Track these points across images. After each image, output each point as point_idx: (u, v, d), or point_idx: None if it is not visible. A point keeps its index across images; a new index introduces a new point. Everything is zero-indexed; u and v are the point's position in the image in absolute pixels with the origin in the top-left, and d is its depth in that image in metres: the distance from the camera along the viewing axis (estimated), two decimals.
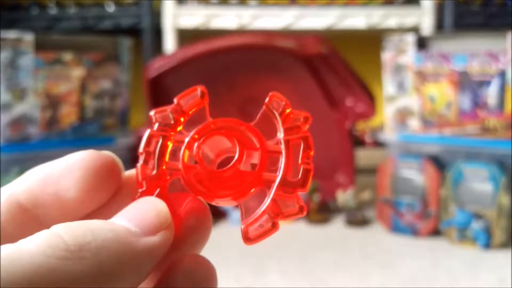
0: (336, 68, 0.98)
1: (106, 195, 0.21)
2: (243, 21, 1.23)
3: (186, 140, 0.22)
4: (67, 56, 0.97)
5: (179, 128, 0.22)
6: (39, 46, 0.93)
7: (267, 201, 0.20)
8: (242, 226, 0.20)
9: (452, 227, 0.85)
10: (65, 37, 1.01)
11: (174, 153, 0.22)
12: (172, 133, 0.22)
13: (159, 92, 0.99)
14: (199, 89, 0.22)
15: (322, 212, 0.98)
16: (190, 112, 0.22)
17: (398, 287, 0.70)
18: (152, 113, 0.22)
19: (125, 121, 1.08)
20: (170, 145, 0.22)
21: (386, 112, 1.01)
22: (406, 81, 0.98)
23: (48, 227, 0.17)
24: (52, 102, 0.96)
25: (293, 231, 0.91)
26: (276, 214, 0.20)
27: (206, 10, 1.23)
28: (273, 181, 0.21)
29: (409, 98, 0.98)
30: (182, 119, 0.22)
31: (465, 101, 0.94)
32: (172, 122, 0.22)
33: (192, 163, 0.22)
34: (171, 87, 1.00)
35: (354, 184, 1.01)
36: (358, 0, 1.24)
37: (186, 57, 0.99)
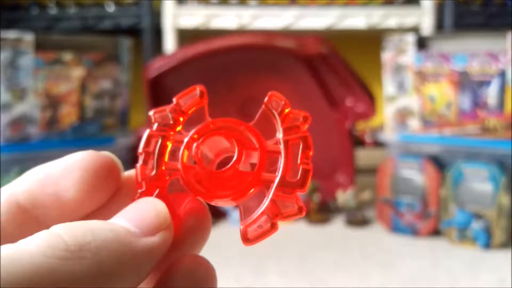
0: (336, 68, 0.98)
1: (106, 196, 0.21)
2: (243, 21, 1.23)
3: (185, 140, 0.22)
4: (67, 56, 0.97)
5: (178, 128, 0.22)
6: (39, 46, 0.93)
7: (266, 202, 0.20)
8: (241, 227, 0.20)
9: (452, 227, 0.85)
10: (65, 37, 1.01)
11: (174, 153, 0.22)
12: (172, 133, 0.22)
13: (159, 92, 0.99)
14: (198, 88, 0.22)
15: (322, 212, 0.98)
16: (189, 112, 0.22)
17: (398, 287, 0.70)
18: (151, 113, 0.22)
19: (125, 121, 1.08)
20: (169, 145, 0.22)
21: (386, 112, 1.01)
22: (406, 81, 0.98)
23: (47, 227, 0.17)
24: (52, 102, 0.96)
25: (293, 231, 0.91)
26: (275, 215, 0.20)
27: (206, 10, 1.23)
28: (272, 182, 0.21)
29: (409, 98, 0.98)
30: (181, 119, 0.22)
31: (465, 101, 0.94)
32: (171, 122, 0.22)
33: (191, 163, 0.21)
34: (171, 87, 1.00)
35: (354, 184, 1.01)
36: (358, 0, 1.24)
37: (186, 57, 0.99)
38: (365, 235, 0.91)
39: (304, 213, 0.21)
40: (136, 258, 0.18)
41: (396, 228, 0.90)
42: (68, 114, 0.99)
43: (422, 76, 0.97)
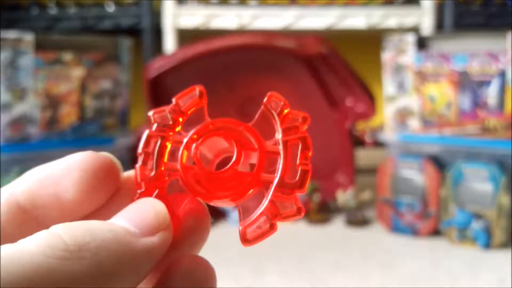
0: (336, 68, 0.98)
1: (105, 196, 0.21)
2: (243, 21, 1.23)
3: (185, 140, 0.22)
4: (67, 56, 0.98)
5: (178, 129, 0.22)
6: (39, 46, 0.93)
7: (265, 202, 0.20)
8: (240, 228, 0.20)
9: (452, 227, 0.85)
10: (65, 37, 1.01)
11: (173, 154, 0.22)
12: (171, 133, 0.22)
13: (159, 92, 0.99)
14: (197, 89, 0.22)
15: (322, 212, 0.98)
16: (189, 112, 0.22)
17: (398, 287, 0.70)
18: (150, 113, 0.22)
19: (125, 121, 1.08)
20: (168, 145, 0.22)
21: (386, 112, 1.01)
22: (406, 81, 0.98)
23: (47, 227, 0.17)
24: (52, 102, 0.96)
25: (293, 231, 0.91)
26: (274, 216, 0.20)
27: (206, 10, 1.23)
28: (271, 182, 0.21)
29: (409, 98, 0.98)
30: (180, 119, 0.22)
31: (465, 101, 0.94)
32: (171, 122, 0.22)
33: (190, 164, 0.22)
34: (171, 87, 1.00)
35: (354, 184, 1.01)
36: (358, 0, 1.24)
37: (186, 57, 0.99)
38: (365, 235, 0.91)
39: (303, 214, 0.21)
40: (136, 258, 0.18)
41: (396, 228, 0.90)
42: (68, 114, 0.99)
43: (422, 76, 0.97)
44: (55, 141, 0.95)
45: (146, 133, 0.22)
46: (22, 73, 0.92)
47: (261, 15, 1.23)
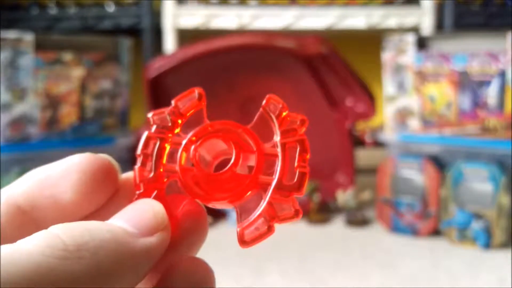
0: (336, 68, 0.98)
1: (104, 198, 0.21)
2: (243, 21, 1.23)
3: (184, 142, 0.22)
4: (67, 56, 0.98)
5: (177, 130, 0.22)
6: (39, 46, 0.93)
7: (263, 204, 0.21)
8: (238, 229, 0.21)
9: (452, 227, 0.85)
10: (65, 37, 1.01)
11: (172, 155, 0.22)
12: (170, 135, 0.22)
13: (159, 92, 0.99)
14: (196, 91, 0.23)
15: (322, 212, 0.98)
16: (188, 114, 0.22)
17: (398, 287, 0.70)
18: (150, 115, 0.22)
19: (125, 121, 1.08)
20: (167, 147, 0.22)
21: (386, 112, 1.01)
22: (406, 81, 0.98)
23: (46, 229, 0.17)
24: (52, 102, 0.96)
25: (293, 231, 0.91)
26: (272, 217, 0.20)
27: (206, 10, 1.23)
28: (269, 184, 0.21)
29: (409, 98, 0.98)
30: (179, 121, 0.22)
31: (465, 101, 0.94)
32: (170, 124, 0.22)
33: (189, 166, 0.22)
34: (171, 87, 1.00)
35: (354, 184, 1.01)
36: (358, 0, 1.24)
37: (186, 57, 0.99)
38: (365, 235, 0.91)
39: (300, 216, 0.21)
40: (134, 258, 0.18)
41: (396, 228, 0.90)
42: (68, 114, 0.99)
43: (422, 76, 0.97)
44: (55, 141, 0.95)
45: (145, 134, 0.22)
46: (22, 73, 0.92)
47: (261, 15, 1.23)
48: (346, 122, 1.02)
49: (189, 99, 0.22)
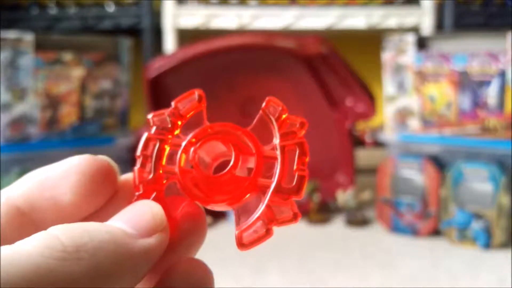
0: (336, 68, 0.98)
1: (103, 199, 0.21)
2: (243, 21, 1.23)
3: (183, 144, 0.22)
4: (67, 56, 0.98)
5: (177, 132, 0.22)
6: (39, 46, 0.93)
7: (262, 207, 0.21)
8: (236, 232, 0.21)
9: (452, 227, 0.85)
10: (65, 37, 1.01)
11: (171, 157, 0.22)
12: (170, 136, 0.22)
13: (159, 92, 0.99)
14: (196, 92, 0.23)
15: (322, 212, 0.98)
16: (188, 116, 0.22)
17: (398, 287, 0.70)
18: (150, 116, 0.22)
19: (125, 121, 1.08)
20: (167, 148, 0.22)
21: (386, 112, 1.01)
22: (406, 81, 0.98)
23: (45, 230, 0.17)
24: (52, 102, 0.96)
25: (293, 231, 0.91)
26: (270, 220, 0.20)
27: (206, 10, 1.23)
28: (268, 187, 0.21)
29: (409, 98, 0.98)
30: (179, 123, 0.22)
31: (465, 101, 0.94)
32: (170, 125, 0.22)
33: (188, 167, 0.22)
34: (171, 87, 1.00)
35: (354, 184, 1.01)
36: (358, 0, 1.24)
37: (186, 57, 0.99)
38: (365, 235, 0.91)
39: (299, 219, 0.21)
40: (133, 259, 0.18)
41: (396, 228, 0.90)
42: (68, 114, 0.99)
43: (422, 76, 0.97)
44: (55, 141, 0.95)
45: (145, 136, 0.22)
46: (22, 73, 0.92)
47: (261, 15, 1.23)
48: (346, 122, 1.02)
49: (189, 101, 0.22)
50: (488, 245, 0.82)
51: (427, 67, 0.96)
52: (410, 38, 0.97)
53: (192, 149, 0.22)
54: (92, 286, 0.16)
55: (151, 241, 0.19)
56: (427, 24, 1.23)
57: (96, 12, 1.26)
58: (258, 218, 0.20)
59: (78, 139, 0.98)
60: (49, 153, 0.91)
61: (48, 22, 1.26)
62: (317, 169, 1.01)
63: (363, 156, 1.19)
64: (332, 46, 0.97)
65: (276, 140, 0.21)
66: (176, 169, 0.22)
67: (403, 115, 0.99)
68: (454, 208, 0.85)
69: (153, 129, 0.22)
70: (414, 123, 0.98)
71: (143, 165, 0.22)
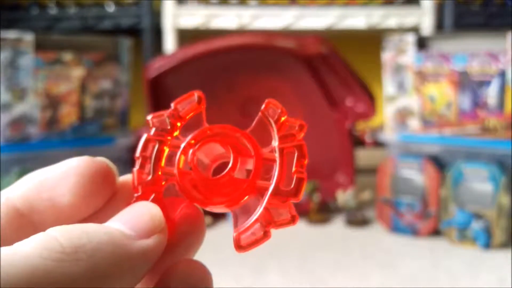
0: (336, 68, 0.98)
1: (101, 201, 0.21)
2: (243, 21, 1.23)
3: (182, 145, 0.22)
4: (67, 56, 0.98)
5: (176, 133, 0.22)
6: (39, 46, 0.93)
7: (260, 210, 0.21)
8: (234, 234, 0.21)
9: (452, 227, 0.85)
10: (65, 37, 1.01)
11: (170, 158, 0.22)
12: (169, 137, 0.22)
13: (159, 92, 0.99)
14: (196, 94, 0.23)
15: (322, 212, 0.98)
16: (187, 117, 0.22)
17: (398, 287, 0.70)
18: (149, 117, 0.22)
19: (125, 121, 1.08)
20: (166, 150, 0.22)
21: (386, 112, 1.01)
22: (406, 81, 0.98)
23: (44, 231, 0.17)
24: (52, 102, 0.96)
25: (293, 231, 0.91)
26: (268, 223, 0.20)
27: (206, 10, 1.23)
28: (267, 189, 0.21)
29: (409, 98, 0.98)
30: (178, 124, 0.22)
31: (465, 101, 0.94)
32: (169, 127, 0.22)
33: (187, 169, 0.22)
34: (171, 87, 1.00)
35: (354, 184, 1.01)
36: (358, 0, 1.24)
37: (186, 57, 0.99)
38: (365, 235, 0.91)
39: (296, 222, 0.21)
40: (131, 260, 0.18)
41: (396, 228, 0.90)
42: (68, 114, 0.99)
43: (422, 76, 0.97)
44: (55, 141, 0.95)
45: (144, 137, 0.22)
46: (22, 73, 0.92)
47: (261, 15, 1.23)
48: (346, 122, 1.01)
49: (188, 102, 0.22)
50: (488, 245, 0.82)
51: (427, 67, 0.96)
52: (410, 38, 0.97)
53: (190, 151, 0.22)
54: (90, 287, 0.16)
55: (149, 242, 0.19)
56: (427, 24, 1.23)
57: (96, 12, 1.26)
58: (256, 221, 0.20)
59: (78, 139, 0.98)
60: (49, 153, 0.91)
61: (48, 22, 1.26)
62: (317, 169, 1.01)
63: (363, 156, 1.19)
64: (332, 46, 0.97)
65: (275, 142, 0.21)
66: (175, 171, 0.22)
67: (403, 115, 0.99)
68: (454, 208, 0.85)
69: (153, 131, 0.22)
70: (414, 123, 0.98)
71: (142, 167, 0.22)
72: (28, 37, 0.92)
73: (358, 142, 1.27)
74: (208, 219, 0.92)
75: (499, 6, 1.25)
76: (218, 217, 0.95)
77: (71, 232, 0.17)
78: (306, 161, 0.21)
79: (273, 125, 0.22)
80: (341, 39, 1.23)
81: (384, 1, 1.24)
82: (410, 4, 1.24)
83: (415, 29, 1.22)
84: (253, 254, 0.79)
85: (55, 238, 0.17)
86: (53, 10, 1.27)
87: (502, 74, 0.90)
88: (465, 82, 0.93)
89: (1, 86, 0.89)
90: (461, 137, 0.90)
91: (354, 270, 0.76)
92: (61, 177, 0.21)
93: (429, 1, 1.23)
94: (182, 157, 0.22)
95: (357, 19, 1.23)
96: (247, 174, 0.21)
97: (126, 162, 0.94)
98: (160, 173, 0.22)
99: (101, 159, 0.21)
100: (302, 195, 0.21)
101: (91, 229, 0.18)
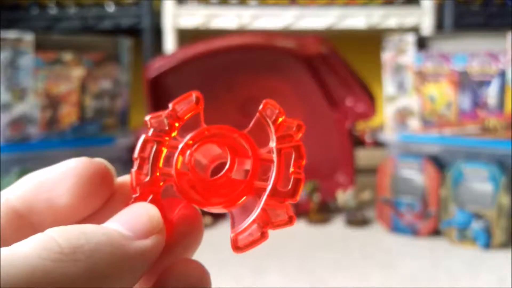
0: (336, 68, 0.98)
1: (99, 202, 0.22)
2: (243, 21, 1.23)
3: (180, 146, 0.22)
4: (67, 56, 0.98)
5: (174, 134, 0.22)
6: (39, 46, 0.93)
7: (257, 210, 0.21)
8: (232, 235, 0.21)
9: (452, 227, 0.85)
10: (65, 37, 1.01)
11: (168, 159, 0.22)
12: (167, 138, 0.22)
13: (159, 92, 0.99)
14: (194, 94, 0.23)
15: (322, 212, 0.98)
16: (185, 118, 0.22)
17: (398, 287, 0.70)
18: (147, 118, 0.22)
19: (125, 121, 1.08)
20: (164, 150, 0.22)
21: (386, 112, 1.01)
22: (406, 81, 0.98)
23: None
24: (52, 102, 0.96)
25: (293, 231, 0.91)
26: (266, 224, 0.20)
27: (206, 10, 1.23)
28: (264, 190, 0.21)
29: (409, 98, 0.98)
30: (176, 125, 0.22)
31: (465, 101, 0.94)
32: (167, 127, 0.22)
33: (185, 170, 0.22)
34: (171, 87, 1.00)
35: (354, 184, 1.01)
36: (358, 0, 1.24)
37: (186, 57, 0.99)
38: (365, 235, 0.91)
39: (294, 223, 0.21)
40: (129, 260, 0.18)
41: (396, 228, 0.90)
42: (68, 114, 0.99)
43: (422, 76, 0.97)
44: (55, 141, 0.95)
45: (142, 137, 0.22)
46: (22, 73, 0.92)
47: (261, 15, 1.23)
48: (346, 122, 1.02)
49: (186, 103, 0.22)
50: (488, 245, 0.82)
51: (427, 67, 0.96)
52: (410, 38, 0.97)
53: (188, 152, 0.22)
54: (89, 287, 0.16)
55: (147, 242, 0.19)
56: (427, 24, 1.23)
57: (96, 12, 1.26)
58: (253, 221, 0.20)
59: (78, 139, 0.98)
60: (49, 153, 0.91)
61: (48, 22, 1.26)
62: (317, 169, 1.01)
63: (363, 156, 1.19)
64: (332, 46, 0.97)
65: (273, 143, 0.21)
66: (173, 172, 0.22)
67: (403, 115, 0.99)
68: (454, 208, 0.85)
69: (151, 131, 0.22)
70: (414, 123, 0.98)
71: (140, 167, 0.22)
72: (28, 37, 0.92)
73: (358, 142, 1.27)
74: (208, 219, 0.92)
75: (499, 6, 1.25)
76: (218, 217, 0.95)
77: (70, 233, 0.17)
78: (303, 162, 0.21)
79: (271, 125, 0.22)
80: (341, 39, 1.23)
81: (384, 1, 1.24)
82: (410, 4, 1.24)
83: (415, 29, 1.22)
84: (253, 254, 0.79)
85: (53, 239, 0.17)
86: (53, 10, 1.27)
87: (502, 74, 0.90)
88: (465, 82, 0.93)
89: (1, 86, 0.90)
90: (461, 137, 0.90)
91: (354, 270, 0.76)
92: (59, 178, 0.21)
93: (429, 1, 1.23)
94: (180, 158, 0.22)
95: (357, 19, 1.23)
96: (245, 175, 0.21)
97: (126, 162, 0.94)
98: (158, 174, 0.22)
99: (99, 160, 0.22)
100: (300, 196, 0.21)
101: (89, 229, 0.18)
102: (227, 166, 0.21)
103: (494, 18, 1.23)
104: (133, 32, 1.21)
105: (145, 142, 0.22)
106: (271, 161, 0.21)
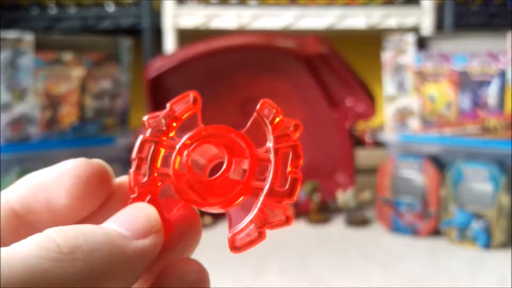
0: (336, 68, 0.98)
1: (97, 203, 0.22)
2: (243, 21, 1.23)
3: (177, 146, 0.22)
4: (67, 56, 0.98)
5: (172, 134, 0.22)
6: (39, 46, 0.94)
7: (255, 210, 0.21)
8: (229, 235, 0.21)
9: (452, 227, 0.85)
10: (65, 37, 1.01)
11: (166, 159, 0.22)
12: (164, 138, 0.22)
13: (159, 92, 0.99)
14: (191, 94, 0.23)
15: (322, 212, 0.98)
16: (183, 118, 0.22)
17: (398, 287, 0.70)
18: (145, 118, 0.22)
19: (125, 121, 1.08)
20: (162, 151, 0.22)
21: (386, 112, 1.01)
22: (406, 81, 0.98)
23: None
24: (52, 102, 0.96)
25: (293, 231, 0.91)
26: (263, 224, 0.20)
27: (206, 10, 1.23)
28: (261, 190, 0.21)
29: (409, 98, 0.98)
30: (174, 125, 0.22)
31: (465, 101, 0.94)
32: (165, 128, 0.22)
33: (183, 170, 0.22)
34: (171, 87, 1.00)
35: (354, 184, 1.01)
36: (358, 0, 1.24)
37: (186, 57, 0.99)
38: (365, 235, 0.91)
39: (291, 223, 0.21)
40: (128, 260, 0.18)
41: (396, 228, 0.90)
42: (68, 114, 0.99)
43: (422, 76, 0.97)
44: (55, 141, 0.95)
45: (140, 138, 0.22)
46: (22, 73, 0.92)
47: (261, 15, 1.23)
48: (346, 122, 1.02)
49: (184, 103, 0.22)
50: (488, 245, 0.82)
51: (427, 67, 0.96)
52: (410, 38, 0.97)
53: (185, 152, 0.22)
54: (87, 287, 0.17)
55: (145, 242, 0.19)
56: (427, 24, 1.23)
57: (96, 12, 1.26)
58: (250, 221, 0.21)
59: (78, 139, 0.98)
60: (49, 153, 0.91)
61: (48, 22, 1.26)
62: (317, 169, 1.01)
63: (363, 156, 1.19)
64: (332, 46, 0.97)
65: (270, 143, 0.21)
66: (171, 172, 0.22)
67: (403, 115, 0.99)
68: (454, 208, 0.85)
69: (148, 131, 0.22)
70: (414, 123, 0.98)
71: (138, 168, 0.22)
72: (28, 37, 0.92)
73: (358, 142, 1.27)
74: (207, 219, 0.92)
75: (499, 6, 1.25)
76: (217, 217, 0.95)
77: (68, 233, 0.17)
78: (301, 162, 0.21)
79: (268, 125, 0.22)
80: (341, 39, 1.23)
81: (384, 1, 1.24)
82: (410, 4, 1.24)
83: (415, 29, 1.22)
84: (253, 254, 0.79)
85: (52, 239, 0.17)
86: (53, 10, 1.27)
87: (502, 74, 0.90)
88: (465, 82, 0.93)
89: (1, 86, 0.90)
90: (461, 137, 0.90)
91: (354, 270, 0.76)
92: (57, 179, 0.21)
93: (429, 1, 1.23)
94: (178, 158, 0.22)
95: (357, 19, 1.23)
96: (243, 175, 0.21)
97: (126, 162, 0.94)
98: (156, 174, 0.22)
99: (97, 161, 0.22)
100: (297, 196, 0.21)
101: (88, 229, 0.18)
102: (224, 166, 0.21)
103: (494, 18, 1.23)
104: (133, 32, 1.21)
105: (143, 143, 0.22)
106: (269, 161, 0.21)
